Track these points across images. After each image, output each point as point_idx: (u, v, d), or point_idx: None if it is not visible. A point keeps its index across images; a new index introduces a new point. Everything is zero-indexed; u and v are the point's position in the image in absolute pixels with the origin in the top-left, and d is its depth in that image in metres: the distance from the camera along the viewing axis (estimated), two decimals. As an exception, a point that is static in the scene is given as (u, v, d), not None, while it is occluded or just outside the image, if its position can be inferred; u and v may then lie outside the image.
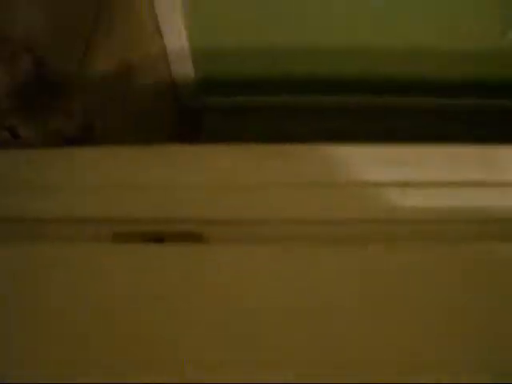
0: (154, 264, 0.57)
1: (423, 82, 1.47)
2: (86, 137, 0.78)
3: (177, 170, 0.62)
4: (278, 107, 1.62)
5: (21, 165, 0.67)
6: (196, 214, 0.59)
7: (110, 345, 0.53)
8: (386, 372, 0.48)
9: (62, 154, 0.66)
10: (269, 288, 0.54)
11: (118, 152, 0.66)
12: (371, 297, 0.53)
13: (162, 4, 1.26)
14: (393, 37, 1.34)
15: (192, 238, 0.57)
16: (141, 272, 0.57)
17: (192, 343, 0.51)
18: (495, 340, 0.49)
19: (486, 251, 0.56)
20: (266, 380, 0.47)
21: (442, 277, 0.54)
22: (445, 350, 0.49)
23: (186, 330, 0.52)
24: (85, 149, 0.68)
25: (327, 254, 0.54)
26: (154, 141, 1.33)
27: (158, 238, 0.58)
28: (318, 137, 0.68)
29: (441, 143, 0.62)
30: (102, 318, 0.53)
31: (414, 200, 0.59)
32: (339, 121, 1.49)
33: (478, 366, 0.49)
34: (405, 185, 0.59)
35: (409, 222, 0.59)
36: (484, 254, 0.56)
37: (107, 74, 1.04)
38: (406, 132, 1.37)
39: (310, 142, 0.63)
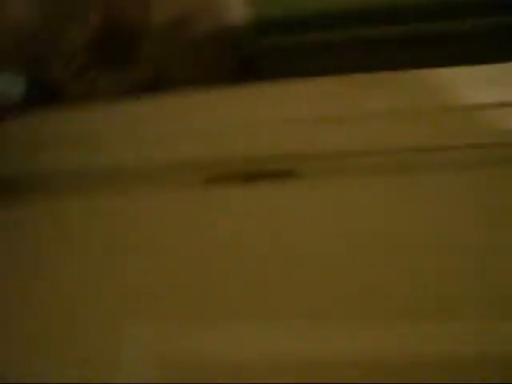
0: (247, 205, 0.56)
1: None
2: (157, 84, 0.77)
3: (265, 106, 0.61)
4: (338, 42, 1.56)
5: (106, 117, 0.67)
6: (289, 149, 0.57)
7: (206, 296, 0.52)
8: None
9: (146, 102, 0.66)
10: (368, 220, 0.53)
11: (199, 96, 0.66)
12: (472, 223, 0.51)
13: None
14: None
15: (285, 175, 0.56)
16: (233, 215, 0.56)
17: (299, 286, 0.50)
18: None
19: None
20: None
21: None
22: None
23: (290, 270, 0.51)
24: (165, 96, 0.67)
25: (431, 182, 0.52)
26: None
27: (250, 178, 0.57)
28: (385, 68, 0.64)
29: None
30: (198, 270, 0.53)
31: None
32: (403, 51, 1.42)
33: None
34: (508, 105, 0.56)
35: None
36: None
37: (169, 24, 1.02)
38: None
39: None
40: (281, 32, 1.53)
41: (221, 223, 0.54)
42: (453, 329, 0.47)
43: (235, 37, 1.52)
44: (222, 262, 0.52)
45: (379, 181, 0.53)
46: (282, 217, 0.53)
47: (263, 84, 0.64)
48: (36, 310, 0.56)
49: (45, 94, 0.76)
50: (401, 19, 1.50)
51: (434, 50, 1.47)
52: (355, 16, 1.52)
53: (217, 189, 0.57)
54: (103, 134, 0.67)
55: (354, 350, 0.47)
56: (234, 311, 0.50)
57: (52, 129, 0.70)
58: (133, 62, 0.74)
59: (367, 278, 0.49)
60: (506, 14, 1.39)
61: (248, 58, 1.62)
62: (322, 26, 1.54)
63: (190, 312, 0.50)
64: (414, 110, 0.54)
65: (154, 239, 0.55)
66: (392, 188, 0.53)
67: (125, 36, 0.74)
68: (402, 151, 0.53)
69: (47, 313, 0.55)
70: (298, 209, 0.53)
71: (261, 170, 0.57)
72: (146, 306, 0.51)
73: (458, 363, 0.45)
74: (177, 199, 0.57)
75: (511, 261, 0.48)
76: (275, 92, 0.62)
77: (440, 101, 0.57)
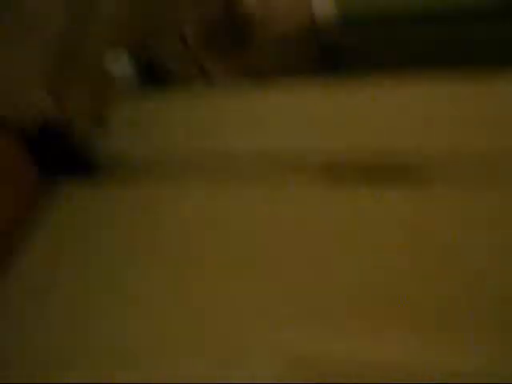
0: (369, 207, 0.53)
1: None
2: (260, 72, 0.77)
3: (384, 100, 0.59)
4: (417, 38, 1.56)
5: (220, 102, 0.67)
6: (411, 145, 0.55)
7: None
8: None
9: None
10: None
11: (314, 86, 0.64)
12: None
13: None
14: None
15: (406, 171, 0.54)
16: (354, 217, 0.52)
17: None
18: None
19: None
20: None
21: None
22: None
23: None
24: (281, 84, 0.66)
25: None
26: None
27: (372, 172, 0.55)
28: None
29: None
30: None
31: None
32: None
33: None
34: None
35: None
36: None
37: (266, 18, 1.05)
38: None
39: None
40: (363, 26, 1.52)
41: (342, 221, 0.52)
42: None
43: (321, 30, 1.52)
44: (348, 265, 0.50)
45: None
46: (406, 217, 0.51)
47: (381, 76, 0.61)
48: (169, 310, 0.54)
49: (156, 77, 0.77)
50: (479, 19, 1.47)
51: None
52: (434, 13, 1.51)
53: (336, 186, 0.55)
54: (213, 120, 0.67)
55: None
56: (359, 315, 0.47)
57: (161, 113, 0.71)
58: (239, 49, 0.74)
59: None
60: None
61: (332, 49, 1.62)
62: (404, 21, 1.52)
63: (316, 314, 0.48)
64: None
65: (274, 237, 0.53)
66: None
67: (233, 25, 0.75)
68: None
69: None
70: (422, 211, 0.51)
71: (380, 166, 0.54)
72: (272, 309, 0.49)
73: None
74: (296, 195, 0.56)
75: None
76: (394, 87, 0.60)
77: None
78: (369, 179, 0.55)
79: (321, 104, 0.64)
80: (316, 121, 0.61)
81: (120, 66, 0.73)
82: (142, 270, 0.56)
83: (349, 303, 0.47)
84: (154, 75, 0.80)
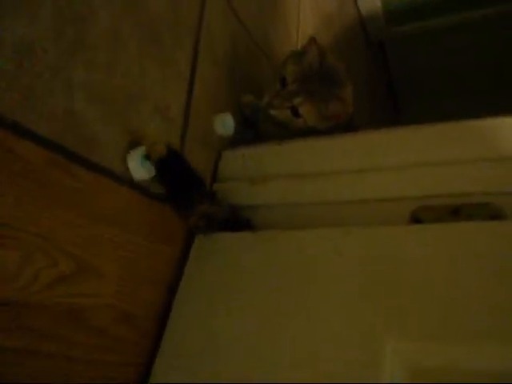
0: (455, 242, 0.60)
1: None
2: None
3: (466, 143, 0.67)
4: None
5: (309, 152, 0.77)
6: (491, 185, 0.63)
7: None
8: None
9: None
10: None
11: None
12: None
13: None
14: None
15: (488, 209, 0.63)
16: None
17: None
18: None
19: None
20: None
21: None
22: None
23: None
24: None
25: None
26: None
27: (455, 210, 0.65)
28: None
29: None
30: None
31: None
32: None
33: None
34: None
35: None
36: None
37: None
38: None
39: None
40: (409, 19, 1.57)
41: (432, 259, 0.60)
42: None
43: (368, 25, 1.58)
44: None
45: None
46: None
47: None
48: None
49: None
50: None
51: None
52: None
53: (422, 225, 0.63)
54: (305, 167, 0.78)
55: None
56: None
57: (263, 162, 0.81)
58: (338, 98, 0.84)
59: None
60: None
61: (379, 43, 1.67)
62: (447, 10, 1.57)
63: (435, 329, 0.56)
64: None
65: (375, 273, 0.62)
66: None
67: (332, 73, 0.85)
68: None
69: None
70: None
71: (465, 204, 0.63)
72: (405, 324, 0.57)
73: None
74: (385, 235, 0.63)
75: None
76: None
77: None
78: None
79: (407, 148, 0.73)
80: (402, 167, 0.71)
81: (226, 125, 0.85)
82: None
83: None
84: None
